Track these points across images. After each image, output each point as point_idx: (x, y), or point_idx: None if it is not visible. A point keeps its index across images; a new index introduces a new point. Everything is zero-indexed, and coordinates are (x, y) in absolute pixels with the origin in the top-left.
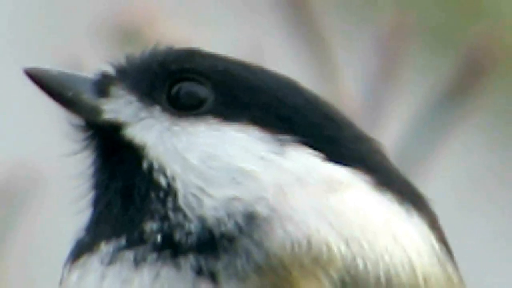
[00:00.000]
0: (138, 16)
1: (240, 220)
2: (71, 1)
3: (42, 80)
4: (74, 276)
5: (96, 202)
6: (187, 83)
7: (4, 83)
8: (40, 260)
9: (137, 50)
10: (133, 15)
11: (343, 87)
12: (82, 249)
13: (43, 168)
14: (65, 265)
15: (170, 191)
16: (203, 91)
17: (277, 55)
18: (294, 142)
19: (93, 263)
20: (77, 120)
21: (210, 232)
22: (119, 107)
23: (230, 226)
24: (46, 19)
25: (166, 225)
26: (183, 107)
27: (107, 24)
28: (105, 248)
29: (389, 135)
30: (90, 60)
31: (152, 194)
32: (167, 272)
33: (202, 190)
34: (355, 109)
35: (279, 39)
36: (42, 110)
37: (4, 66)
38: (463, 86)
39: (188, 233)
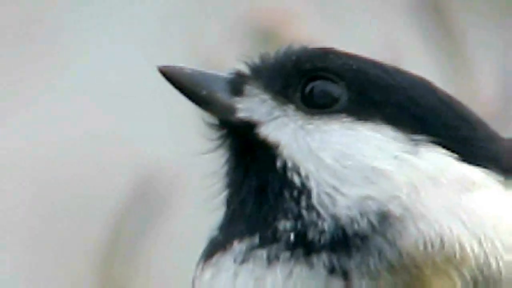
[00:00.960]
0: (273, 17)
1: (373, 219)
2: (206, 2)
3: (176, 79)
4: (207, 274)
5: (230, 201)
6: (321, 82)
7: (140, 84)
8: (177, 259)
9: (272, 50)
10: (268, 16)
11: (477, 87)
12: (215, 247)
13: (178, 168)
14: (198, 263)
15: (304, 190)
16: (336, 89)
17: (411, 55)
18: (428, 142)
19: (226, 261)
20: (211, 119)
21: (343, 230)
22: (253, 106)
23: (363, 224)
24: (181, 19)
25: (299, 223)
26: (317, 106)
27: (242, 24)
28: (238, 246)
29: None
30: (225, 59)
31: (286, 193)
32: (299, 270)
33: (335, 189)
34: (488, 109)
35: (413, 39)
36: (176, 110)
37: (140, 66)
38: None
39: (322, 232)
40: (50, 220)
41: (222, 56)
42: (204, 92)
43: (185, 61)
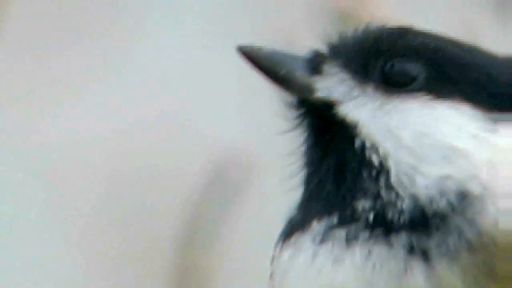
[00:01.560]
0: None
1: (453, 198)
2: None
3: (255, 58)
4: (286, 254)
5: (308, 180)
6: (399, 61)
7: (218, 62)
8: (257, 241)
9: (350, 29)
10: None
11: None
12: (294, 227)
13: (255, 149)
14: (277, 243)
15: (382, 169)
16: (414, 68)
17: (488, 34)
18: (506, 120)
19: (305, 241)
20: (290, 98)
21: (422, 210)
22: (332, 85)
23: (442, 204)
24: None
25: (378, 203)
26: (395, 85)
27: (320, 4)
28: (317, 226)
29: None
30: (304, 39)
31: (364, 173)
32: (379, 250)
33: (414, 168)
34: None
35: (489, 17)
36: (255, 89)
37: (219, 45)
38: None
39: (400, 212)
40: (125, 209)
41: (301, 36)
42: (283, 72)
43: (264, 40)
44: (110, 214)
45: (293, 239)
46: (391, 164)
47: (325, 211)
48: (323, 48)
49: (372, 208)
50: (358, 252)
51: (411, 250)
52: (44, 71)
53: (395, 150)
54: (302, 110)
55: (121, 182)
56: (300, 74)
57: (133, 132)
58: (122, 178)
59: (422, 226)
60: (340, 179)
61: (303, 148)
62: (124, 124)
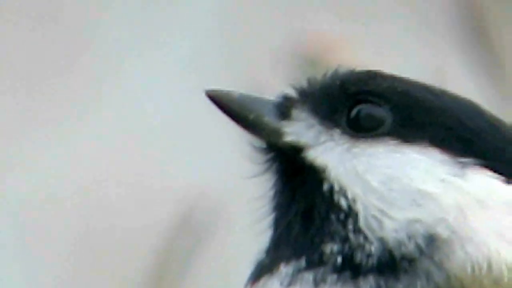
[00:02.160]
0: (320, 41)
1: (421, 242)
2: (254, 26)
3: (223, 102)
4: None
5: (277, 224)
6: (366, 105)
7: (186, 108)
8: (224, 284)
9: (318, 74)
10: (315, 40)
11: None
12: (262, 270)
13: (224, 193)
14: (245, 286)
15: (351, 213)
16: (382, 112)
17: (456, 78)
18: (475, 164)
19: (273, 284)
20: (259, 143)
21: (391, 253)
22: (301, 130)
23: (410, 247)
24: (229, 43)
25: (346, 246)
26: (362, 129)
27: (289, 48)
28: (285, 269)
29: None
30: (272, 84)
31: (333, 216)
32: None
33: (383, 212)
34: None
35: (460, 61)
36: (223, 134)
37: (186, 90)
38: None
39: (369, 255)
40: (94, 253)
41: (269, 80)
42: (252, 116)
43: (231, 85)
44: (80, 257)
45: (261, 282)
46: (360, 207)
47: (293, 254)
48: (291, 92)
49: (340, 251)
50: None
51: None
52: (13, 118)
53: (364, 194)
54: (271, 154)
55: (90, 226)
56: (269, 119)
57: (102, 177)
58: (91, 223)
59: (390, 269)
60: (308, 222)
61: (271, 192)
62: (94, 169)
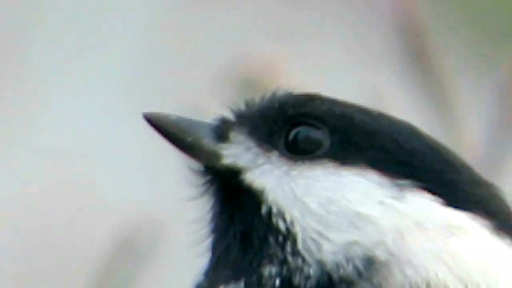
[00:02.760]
0: (258, 63)
1: (359, 264)
2: (191, 49)
3: (161, 125)
4: None
5: (215, 246)
6: (304, 128)
7: (125, 129)
8: None
9: (256, 96)
10: (253, 62)
11: (463, 133)
12: None
13: (163, 214)
14: None
15: (289, 235)
16: (320, 135)
17: (395, 100)
18: (413, 186)
19: None
20: (196, 165)
21: (329, 276)
22: (238, 152)
23: (349, 270)
24: (167, 67)
25: (285, 269)
26: (301, 152)
27: (227, 71)
28: None
29: (509, 181)
30: (210, 106)
31: (271, 239)
32: None
33: (321, 234)
34: (475, 154)
35: (398, 83)
36: (161, 155)
37: (124, 113)
38: None
39: (307, 277)
40: (30, 275)
41: (207, 102)
42: (189, 139)
43: (169, 108)
44: (17, 277)
45: None
46: (298, 230)
47: (232, 277)
48: (229, 115)
49: (279, 274)
50: None
51: None
52: None
53: (302, 217)
54: (209, 177)
55: (26, 248)
56: (207, 141)
57: (38, 199)
58: (28, 244)
59: None
60: (246, 245)
61: (210, 215)
62: (31, 190)
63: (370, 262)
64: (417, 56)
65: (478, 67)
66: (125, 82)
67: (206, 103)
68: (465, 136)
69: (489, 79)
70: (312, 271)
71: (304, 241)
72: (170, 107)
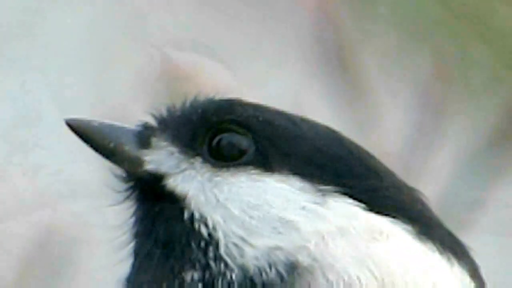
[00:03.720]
0: (181, 69)
1: (282, 269)
2: (114, 54)
3: (84, 131)
4: None
5: (137, 252)
6: (228, 134)
7: (48, 136)
8: None
9: (179, 102)
10: (175, 68)
11: (383, 137)
12: None
13: (85, 220)
14: None
15: (211, 240)
16: (243, 141)
17: (318, 105)
18: (335, 192)
19: None
20: (119, 171)
21: (252, 281)
22: (161, 158)
23: (272, 275)
24: (90, 73)
25: (207, 274)
26: (224, 158)
27: (150, 76)
28: None
29: (430, 185)
30: (133, 112)
31: (194, 244)
32: None
33: (243, 239)
34: (396, 159)
35: (319, 89)
36: (83, 161)
37: (47, 118)
38: (506, 133)
39: (230, 282)
40: None
41: (130, 108)
42: (111, 145)
43: (92, 114)
44: None
45: None
46: (220, 235)
47: (154, 283)
48: (152, 121)
49: (201, 279)
50: None
51: None
52: None
53: (224, 222)
54: (131, 183)
55: None
56: (129, 147)
57: None
58: None
59: None
60: (169, 250)
61: (132, 220)
62: None
63: (292, 267)
64: (338, 61)
65: (400, 72)
66: (52, 87)
67: (129, 109)
68: (385, 141)
69: (410, 83)
70: (235, 276)
71: (226, 246)
72: (94, 113)
